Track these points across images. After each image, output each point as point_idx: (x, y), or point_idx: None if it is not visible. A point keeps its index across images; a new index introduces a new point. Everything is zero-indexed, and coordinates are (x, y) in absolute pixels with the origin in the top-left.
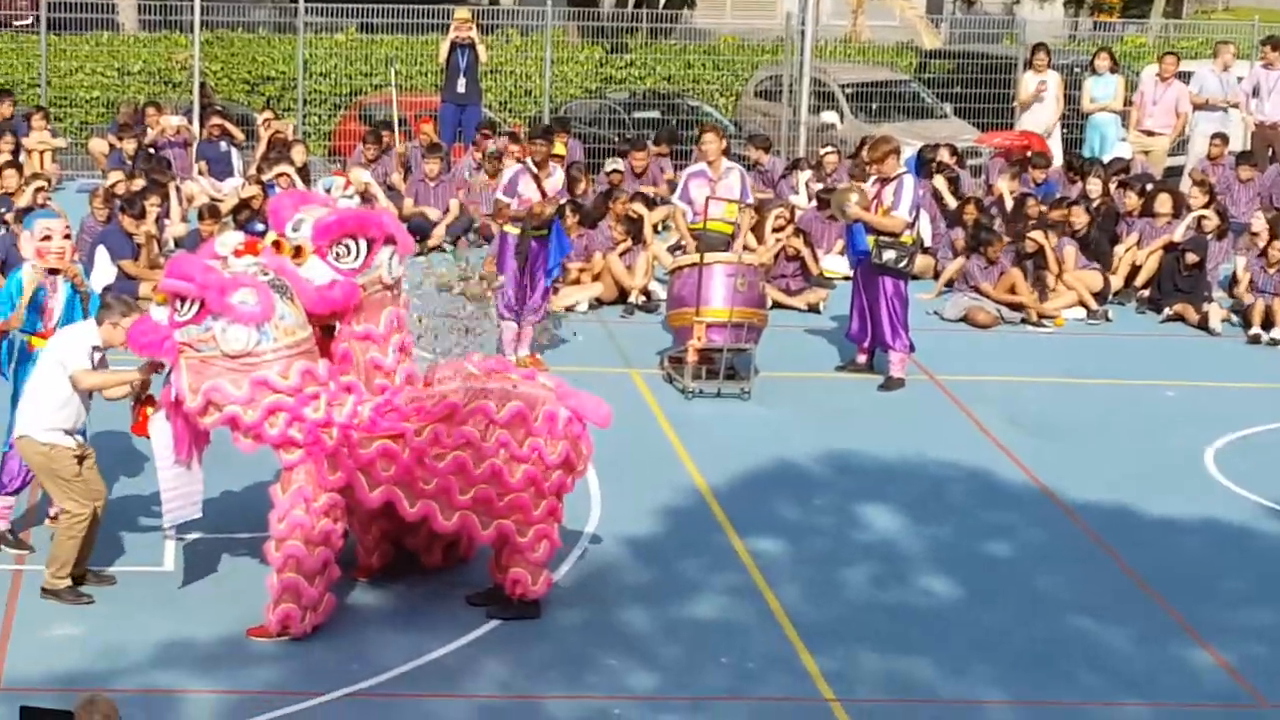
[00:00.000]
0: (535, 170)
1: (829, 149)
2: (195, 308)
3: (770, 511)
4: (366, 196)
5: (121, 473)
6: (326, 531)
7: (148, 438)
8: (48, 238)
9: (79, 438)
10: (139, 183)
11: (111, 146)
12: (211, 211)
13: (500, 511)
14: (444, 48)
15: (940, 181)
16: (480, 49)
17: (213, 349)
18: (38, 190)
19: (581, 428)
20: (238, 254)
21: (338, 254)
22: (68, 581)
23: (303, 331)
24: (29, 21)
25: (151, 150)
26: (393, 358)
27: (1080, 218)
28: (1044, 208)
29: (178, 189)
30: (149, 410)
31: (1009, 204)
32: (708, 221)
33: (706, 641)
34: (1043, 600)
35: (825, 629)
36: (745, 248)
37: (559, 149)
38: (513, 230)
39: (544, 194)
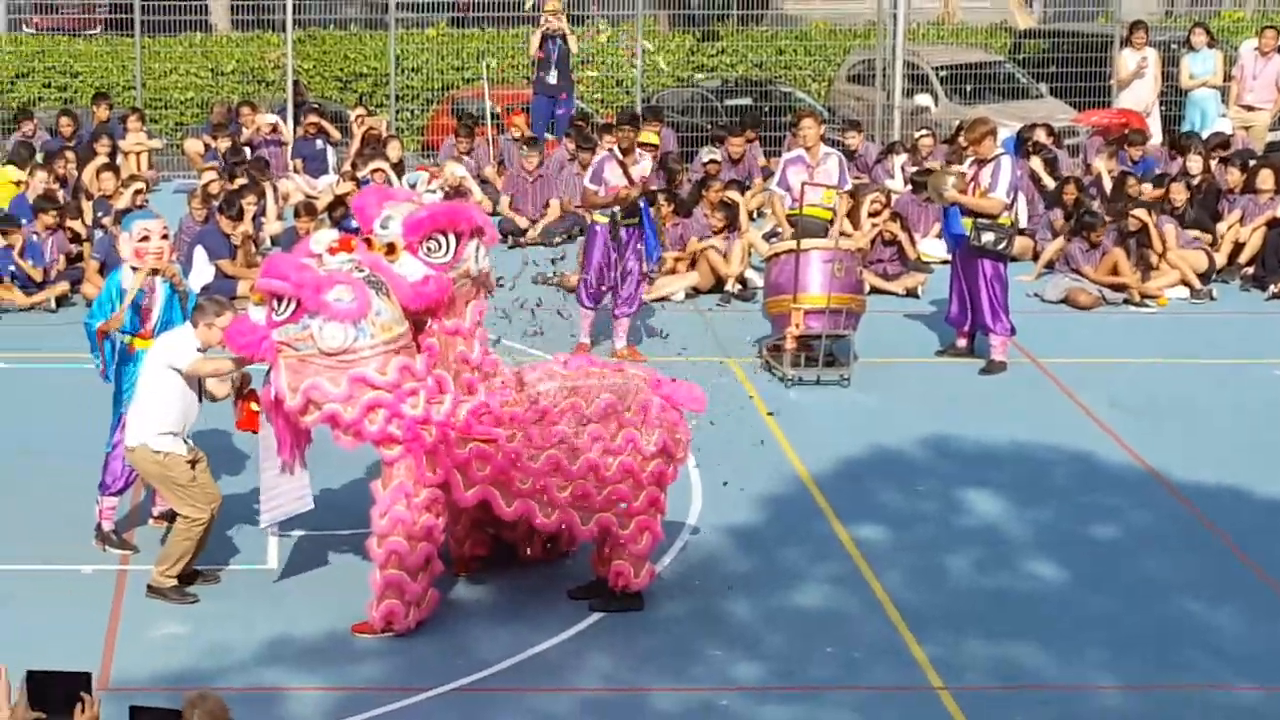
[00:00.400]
0: (621, 157)
1: (924, 132)
2: (292, 306)
3: (872, 498)
4: (461, 191)
5: (223, 471)
6: (428, 527)
7: (255, 432)
8: (146, 238)
9: (190, 442)
10: (238, 182)
11: (207, 146)
12: (308, 209)
13: (599, 505)
14: (535, 40)
15: (1037, 162)
16: (571, 40)
17: (310, 347)
18: (136, 192)
19: (677, 415)
20: (332, 251)
21: (429, 249)
22: (174, 581)
23: (399, 327)
24: (97, 31)
25: (247, 148)
26: (478, 351)
27: (1180, 194)
28: (1145, 186)
29: (274, 187)
30: (253, 405)
31: (1108, 183)
32: (805, 207)
33: (811, 631)
34: (1151, 583)
35: (931, 616)
36: (841, 233)
37: (653, 138)
38: (602, 219)
39: (631, 180)
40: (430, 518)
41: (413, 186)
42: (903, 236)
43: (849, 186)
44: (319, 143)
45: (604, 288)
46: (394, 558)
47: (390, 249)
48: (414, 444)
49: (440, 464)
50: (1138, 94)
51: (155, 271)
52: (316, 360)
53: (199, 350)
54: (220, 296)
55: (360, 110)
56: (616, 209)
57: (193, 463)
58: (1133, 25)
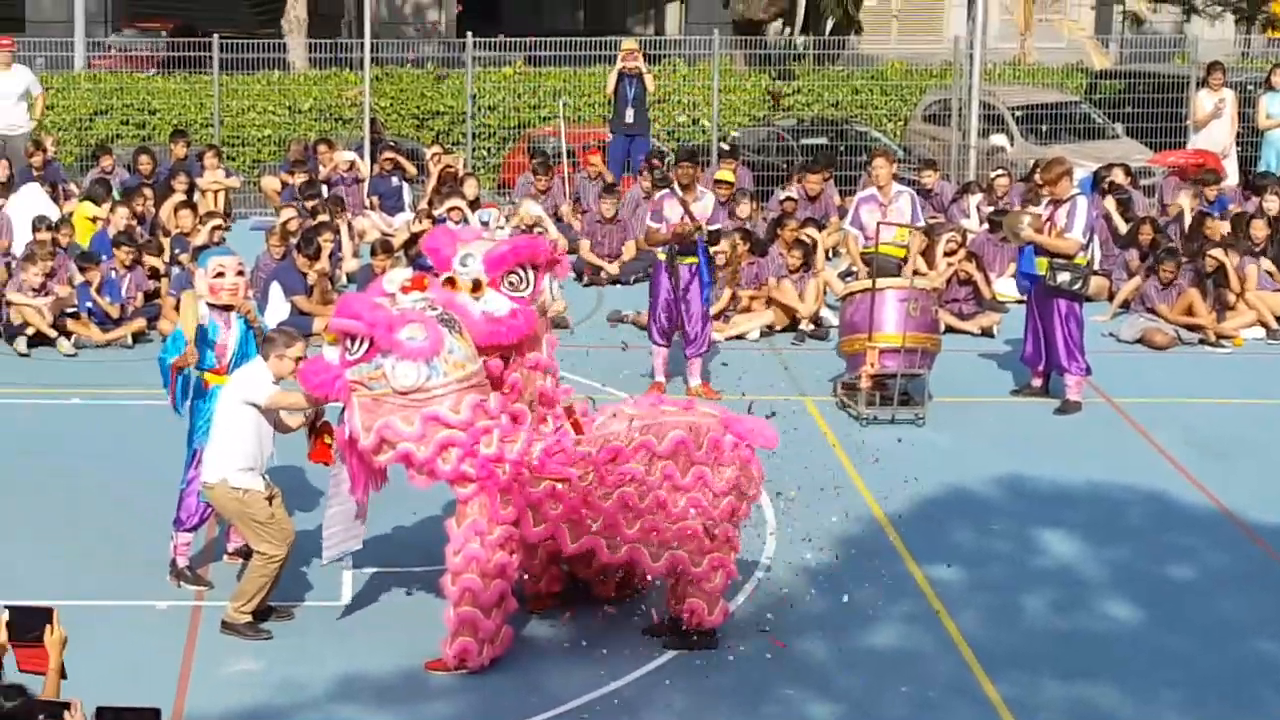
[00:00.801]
0: (681, 194)
1: (1000, 171)
2: (365, 345)
3: (947, 538)
4: (537, 230)
5: (295, 507)
6: (502, 564)
7: (328, 464)
8: (220, 274)
9: (266, 477)
10: (317, 219)
11: (284, 184)
12: (384, 247)
13: (670, 542)
14: (611, 79)
15: (1110, 203)
16: (648, 79)
17: (383, 386)
18: (214, 229)
19: (749, 452)
20: (405, 290)
21: (511, 283)
22: (249, 617)
23: (472, 365)
24: (153, 72)
25: (324, 186)
26: (550, 384)
27: (1261, 231)
28: (1224, 227)
29: (349, 225)
30: (326, 438)
31: (1188, 220)
32: (879, 246)
33: (886, 670)
34: (1227, 624)
35: (1006, 656)
36: (916, 272)
37: (728, 175)
38: (661, 256)
39: (692, 217)
40: (504, 555)
41: (484, 224)
42: (978, 276)
43: (921, 224)
44: (395, 180)
45: (673, 324)
46: (468, 595)
47: (476, 286)
48: (488, 482)
49: (514, 501)
50: (1214, 135)
51: (230, 307)
52: (390, 399)
53: (274, 384)
54: (289, 328)
55: (437, 148)
56: (673, 246)
57: (270, 499)
58: (1210, 66)
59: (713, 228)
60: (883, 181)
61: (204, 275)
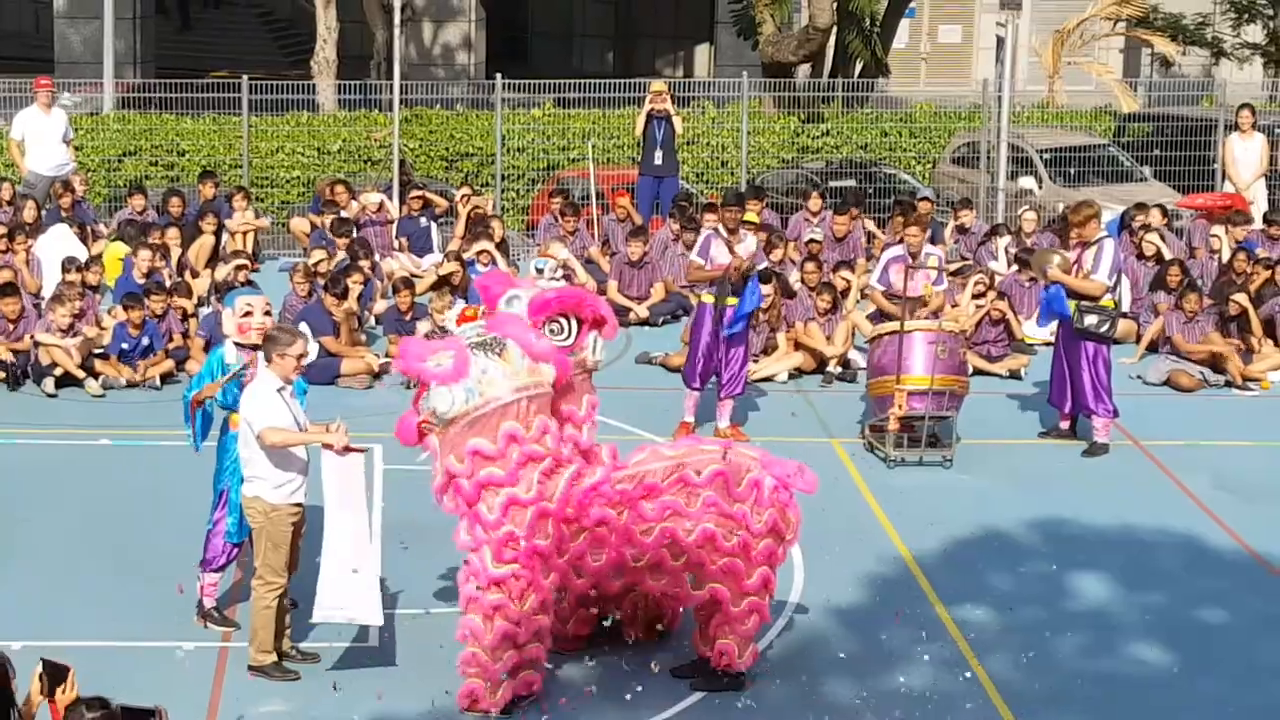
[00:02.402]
0: (727, 235)
1: (1027, 207)
2: (417, 384)
3: (976, 580)
4: (564, 272)
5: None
6: (496, 605)
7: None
8: (249, 314)
9: (300, 499)
10: (348, 260)
11: (313, 225)
12: (406, 284)
13: (713, 575)
14: (640, 120)
15: (1155, 237)
16: (676, 121)
17: (439, 420)
18: (238, 268)
19: (788, 495)
20: (459, 322)
21: (550, 330)
22: (273, 657)
23: (523, 377)
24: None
25: (355, 226)
26: (588, 437)
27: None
28: (1251, 267)
29: (374, 267)
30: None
31: (1226, 253)
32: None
33: (915, 713)
34: (1260, 669)
35: (1036, 700)
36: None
37: (753, 216)
38: (708, 298)
39: (735, 258)
40: (501, 596)
41: (539, 272)
42: (1010, 315)
43: (944, 286)
44: (423, 220)
45: (710, 368)
46: (470, 637)
47: None
48: (528, 563)
49: (555, 569)
50: (1244, 178)
51: (258, 347)
52: (453, 430)
53: (281, 389)
54: (290, 326)
55: (466, 189)
56: (725, 285)
57: (297, 524)
58: (1240, 108)
59: (761, 266)
60: (915, 249)
61: (232, 314)
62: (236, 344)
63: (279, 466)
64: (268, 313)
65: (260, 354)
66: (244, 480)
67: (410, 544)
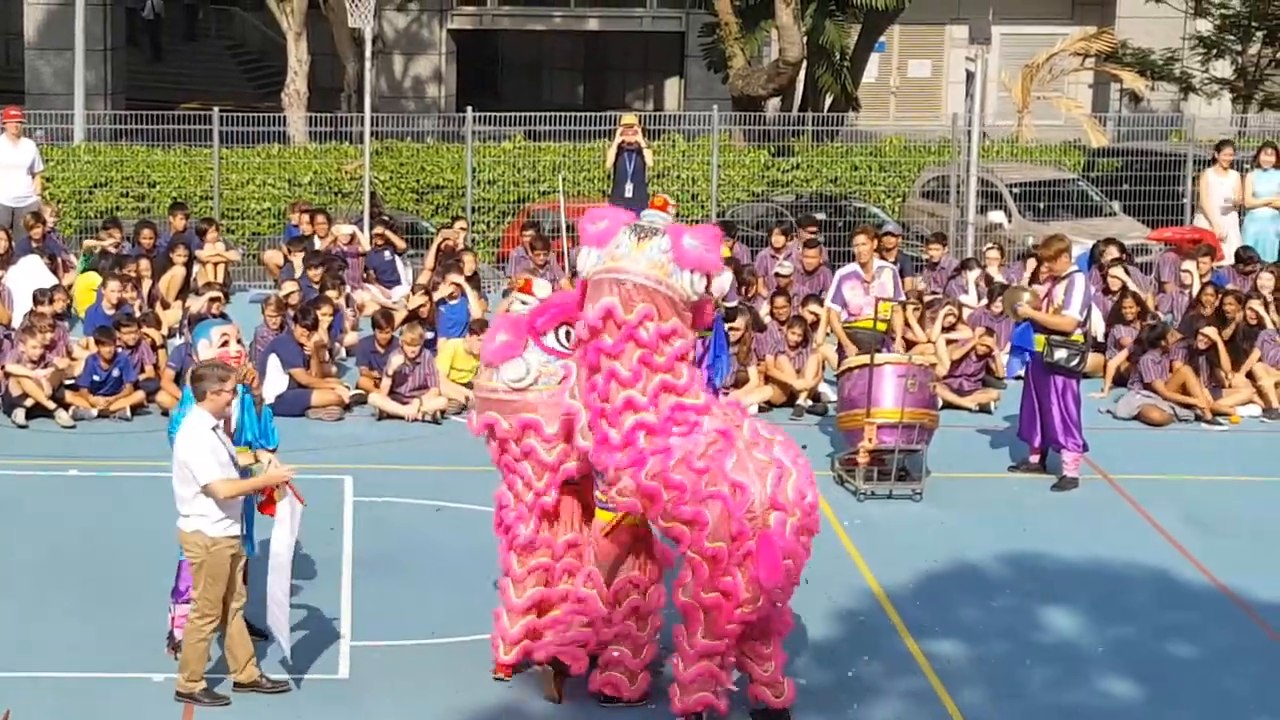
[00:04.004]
0: None
1: (990, 245)
2: None
3: (946, 613)
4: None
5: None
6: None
7: (273, 515)
8: (226, 343)
9: (237, 531)
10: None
11: (285, 259)
12: (386, 318)
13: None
14: (611, 153)
15: (1120, 271)
16: (647, 153)
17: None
18: (212, 300)
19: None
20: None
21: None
22: (203, 684)
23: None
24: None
25: (327, 256)
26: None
27: (1261, 310)
28: (1224, 300)
29: (348, 299)
30: (275, 492)
31: (1197, 286)
32: (863, 321)
33: None
34: (1227, 702)
35: None
36: (910, 343)
37: (725, 252)
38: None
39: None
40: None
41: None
42: (996, 349)
43: (902, 298)
44: (387, 254)
45: None
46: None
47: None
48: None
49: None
50: (1218, 214)
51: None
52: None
53: (215, 427)
54: (218, 365)
55: (461, 224)
56: None
57: (235, 555)
58: (1220, 144)
59: (730, 304)
60: (865, 258)
61: (210, 345)
62: None
63: (219, 503)
64: (239, 340)
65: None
66: (182, 516)
67: (377, 575)
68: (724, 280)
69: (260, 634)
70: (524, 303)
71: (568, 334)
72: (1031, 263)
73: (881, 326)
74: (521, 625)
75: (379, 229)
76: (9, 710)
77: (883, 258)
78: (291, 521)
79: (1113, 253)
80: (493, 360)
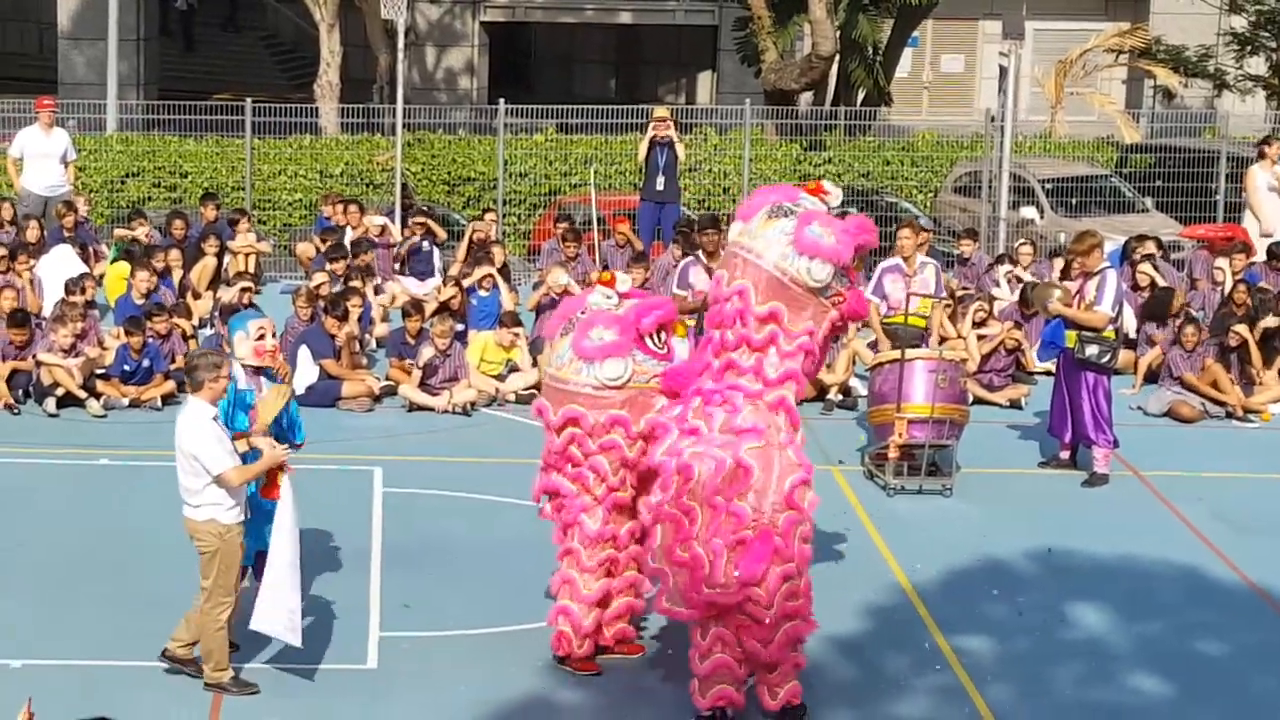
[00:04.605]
0: (706, 261)
1: (1023, 241)
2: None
3: (975, 609)
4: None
5: (326, 569)
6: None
7: (276, 499)
8: (262, 336)
9: (244, 516)
10: (347, 283)
11: (317, 250)
12: (416, 308)
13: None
14: (643, 147)
15: (1148, 268)
16: (679, 147)
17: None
18: (243, 290)
19: None
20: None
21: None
22: (230, 673)
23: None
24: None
25: (355, 247)
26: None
27: None
28: (1253, 299)
29: (375, 289)
30: (281, 474)
31: (1229, 284)
32: (906, 316)
33: None
34: (1256, 701)
35: None
36: (943, 339)
37: None
38: (690, 323)
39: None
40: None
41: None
42: (1025, 344)
43: (943, 295)
44: (425, 244)
45: None
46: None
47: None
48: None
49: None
50: (1267, 209)
51: (260, 370)
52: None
53: (216, 418)
54: (212, 352)
55: (491, 215)
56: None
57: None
58: (1264, 139)
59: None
60: (908, 252)
61: (247, 338)
62: (245, 366)
63: (229, 490)
64: (274, 334)
65: (262, 377)
66: (192, 507)
67: (406, 566)
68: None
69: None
70: (608, 296)
71: (662, 337)
72: (1059, 261)
73: (920, 323)
74: (593, 617)
75: (420, 218)
76: (31, 698)
77: (911, 229)
78: (294, 502)
79: (1149, 248)
80: (593, 356)
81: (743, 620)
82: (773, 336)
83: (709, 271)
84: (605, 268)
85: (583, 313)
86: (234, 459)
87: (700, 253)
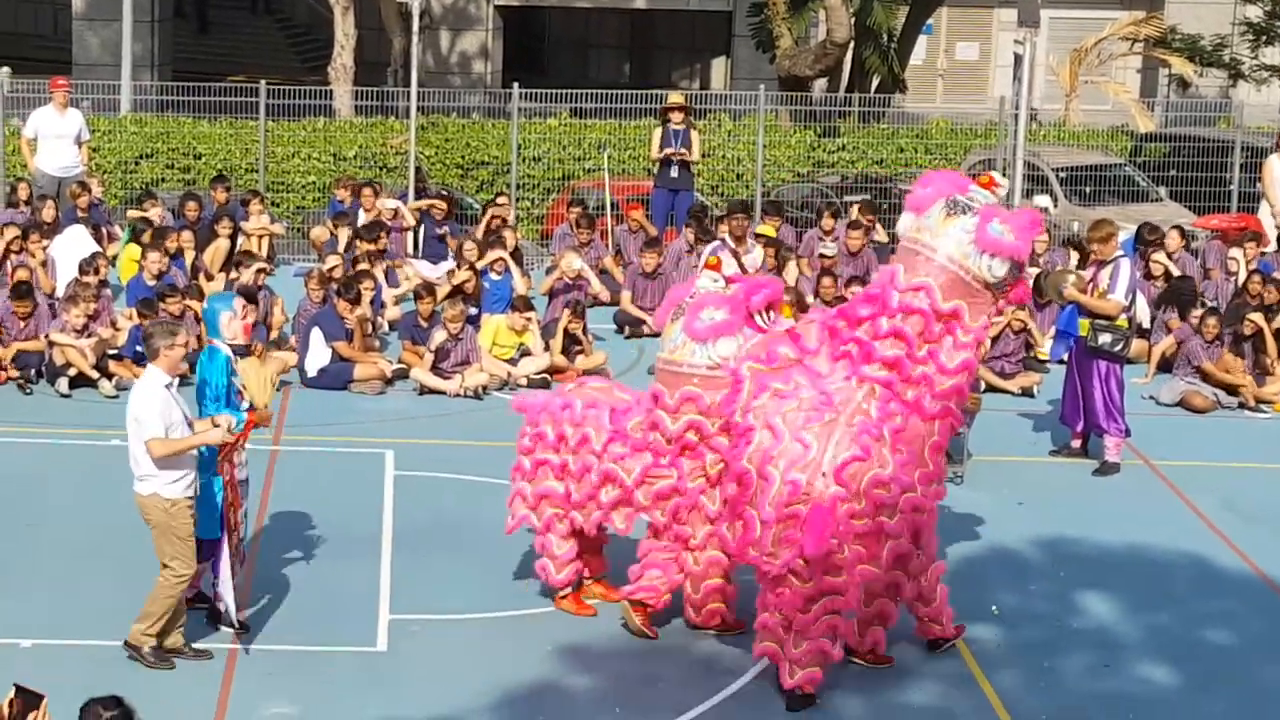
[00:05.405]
0: (734, 246)
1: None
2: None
3: (985, 597)
4: (578, 283)
5: (336, 551)
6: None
7: (223, 479)
8: (247, 314)
9: (193, 492)
10: (357, 267)
11: (330, 233)
12: (428, 290)
13: None
14: (655, 137)
15: (1162, 257)
16: (693, 135)
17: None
18: (258, 271)
19: None
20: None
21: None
22: (154, 640)
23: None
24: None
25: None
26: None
27: None
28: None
29: (385, 273)
30: (236, 455)
31: (1243, 273)
32: None
33: None
34: (1265, 691)
35: (1042, 718)
36: None
37: (769, 231)
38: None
39: (743, 270)
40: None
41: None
42: (1032, 325)
43: None
44: (446, 228)
45: None
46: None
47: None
48: None
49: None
50: None
51: (248, 349)
52: None
53: (169, 385)
54: (165, 320)
55: (503, 200)
56: None
57: (194, 516)
58: None
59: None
60: None
61: (234, 317)
62: (232, 345)
63: (171, 463)
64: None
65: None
66: (138, 480)
67: (416, 549)
68: (756, 255)
69: (206, 601)
70: (714, 279)
71: (771, 315)
72: (1074, 252)
73: None
74: (705, 587)
75: (441, 203)
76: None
77: None
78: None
79: (1173, 243)
80: (705, 336)
81: (778, 587)
82: (950, 329)
83: (736, 256)
84: (618, 253)
85: (691, 297)
86: (172, 432)
87: (728, 237)
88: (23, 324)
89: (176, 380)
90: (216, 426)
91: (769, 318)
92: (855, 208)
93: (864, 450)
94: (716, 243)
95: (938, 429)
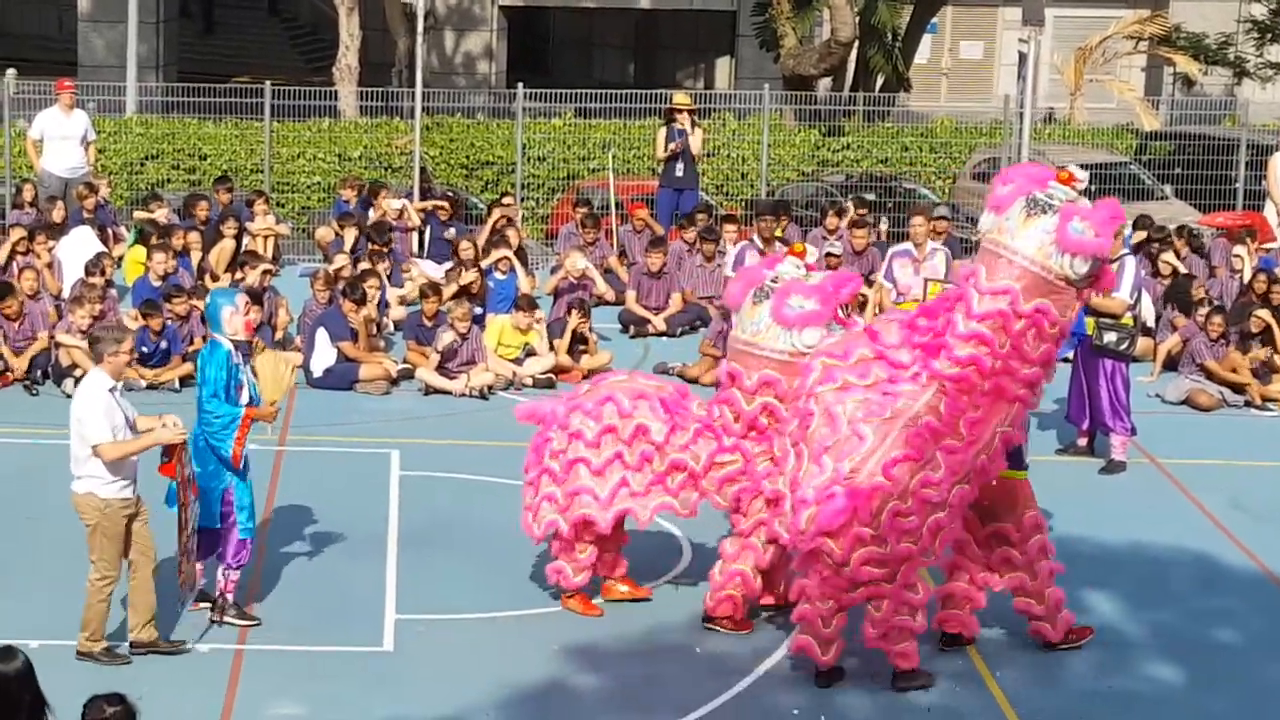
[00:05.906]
0: (762, 246)
1: None
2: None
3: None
4: (583, 283)
5: (342, 551)
6: None
7: (173, 478)
8: (249, 310)
9: (130, 494)
10: (360, 268)
11: (336, 234)
12: (433, 290)
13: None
14: (661, 137)
15: (1170, 256)
16: (697, 132)
17: None
18: (265, 272)
19: None
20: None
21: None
22: (103, 644)
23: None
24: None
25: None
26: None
27: None
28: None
29: (390, 273)
30: (184, 455)
31: (1248, 272)
32: (909, 301)
33: None
34: (1270, 689)
35: (1048, 716)
36: None
37: (777, 232)
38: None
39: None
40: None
41: None
42: None
43: (954, 282)
44: (453, 230)
45: None
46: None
47: None
48: None
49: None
50: None
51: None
52: None
53: (113, 389)
54: (114, 326)
55: (508, 199)
56: None
57: (130, 517)
58: None
59: None
60: (919, 239)
61: (237, 312)
62: (236, 341)
63: (110, 465)
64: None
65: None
66: (75, 479)
67: (422, 549)
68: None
69: (211, 600)
70: (797, 266)
71: (849, 310)
72: None
73: None
74: (729, 570)
75: (445, 204)
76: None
77: (924, 216)
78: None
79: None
80: (794, 323)
81: (824, 571)
82: (1036, 322)
83: (763, 256)
84: (623, 253)
85: (774, 280)
86: (118, 435)
87: (757, 238)
88: (15, 324)
89: (121, 384)
90: (165, 426)
91: (847, 312)
92: (851, 205)
93: (916, 451)
94: (743, 245)
95: (1011, 415)
